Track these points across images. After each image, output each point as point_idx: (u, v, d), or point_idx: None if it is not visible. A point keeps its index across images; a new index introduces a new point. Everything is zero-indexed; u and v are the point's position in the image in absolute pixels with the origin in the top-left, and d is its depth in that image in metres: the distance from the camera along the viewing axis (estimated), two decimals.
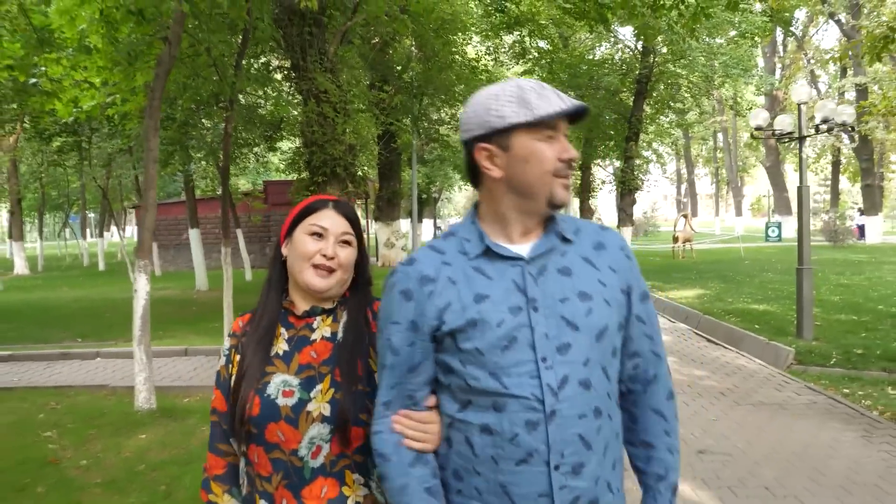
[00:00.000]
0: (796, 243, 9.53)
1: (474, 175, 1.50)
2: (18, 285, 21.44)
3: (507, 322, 1.39)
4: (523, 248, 1.46)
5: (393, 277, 1.51)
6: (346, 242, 1.67)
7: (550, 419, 1.36)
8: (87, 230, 41.32)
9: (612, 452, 1.45)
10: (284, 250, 1.69)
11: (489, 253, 1.45)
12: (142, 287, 5.83)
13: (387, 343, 1.49)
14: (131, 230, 53.53)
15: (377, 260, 24.55)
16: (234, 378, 1.64)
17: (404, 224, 27.52)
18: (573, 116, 1.45)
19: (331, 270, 1.62)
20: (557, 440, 1.37)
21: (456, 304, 1.42)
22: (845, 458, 4.74)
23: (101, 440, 5.23)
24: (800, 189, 9.34)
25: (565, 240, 1.49)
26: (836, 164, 39.98)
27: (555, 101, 1.41)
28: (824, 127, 8.97)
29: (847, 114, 9.43)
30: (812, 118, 9.80)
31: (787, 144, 32.71)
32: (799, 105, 9.24)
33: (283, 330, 1.65)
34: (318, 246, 1.62)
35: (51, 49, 7.21)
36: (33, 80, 8.95)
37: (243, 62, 10.09)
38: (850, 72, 30.40)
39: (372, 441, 1.50)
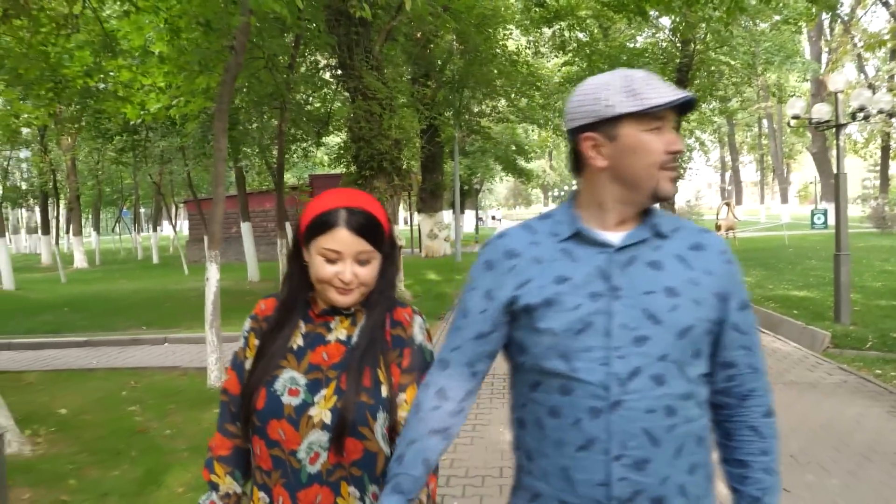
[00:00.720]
0: None
1: (577, 163, 1.49)
2: (79, 278, 22.46)
3: (584, 306, 1.39)
4: (615, 237, 1.44)
5: (483, 248, 1.55)
6: (365, 260, 1.59)
7: (614, 409, 1.35)
8: (140, 225, 42.68)
9: (688, 456, 1.41)
10: (307, 256, 1.62)
11: (579, 236, 1.45)
12: (213, 275, 6.39)
13: (461, 306, 1.53)
14: (179, 224, 55.12)
15: (421, 251, 25.02)
16: (249, 361, 1.64)
17: (447, 215, 27.95)
18: (682, 108, 1.43)
19: (350, 290, 1.58)
20: (619, 431, 1.36)
21: (535, 282, 1.43)
22: (869, 430, 5.03)
23: (181, 413, 5.80)
24: (837, 176, 9.52)
25: (660, 235, 1.46)
26: (885, 149, 39.14)
27: (664, 91, 1.40)
28: (861, 115, 9.11)
29: (884, 101, 9.55)
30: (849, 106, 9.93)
31: (884, 117, 32.22)
32: (836, 93, 9.39)
33: (301, 323, 1.64)
34: (335, 270, 1.56)
35: (115, 55, 7.79)
36: (102, 85, 9.60)
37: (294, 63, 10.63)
38: None
39: (419, 387, 1.55)
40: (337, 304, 1.58)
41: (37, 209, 33.01)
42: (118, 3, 6.89)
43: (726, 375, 1.48)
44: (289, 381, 1.56)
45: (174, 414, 5.79)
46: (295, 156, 19.18)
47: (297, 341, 1.60)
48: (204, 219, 25.54)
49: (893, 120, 31.14)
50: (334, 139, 22.65)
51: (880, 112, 9.58)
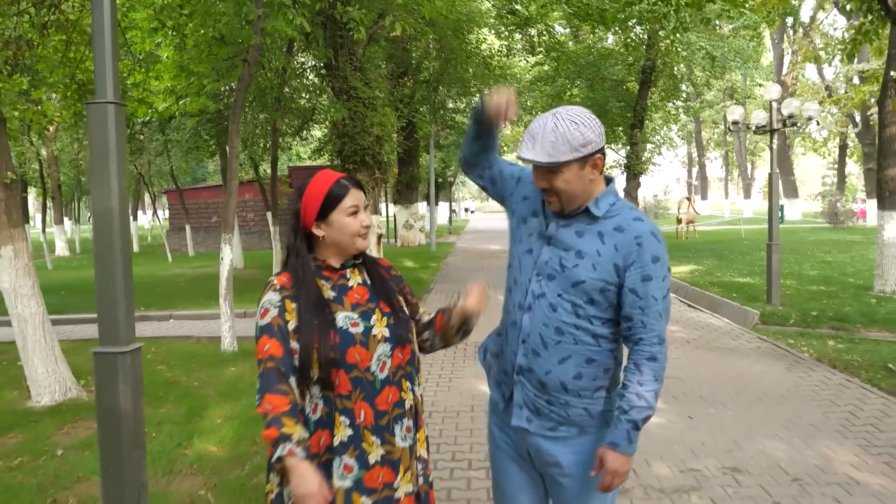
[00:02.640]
0: (798, 225, 10.96)
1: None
2: (65, 265, 23.04)
3: (534, 237, 2.08)
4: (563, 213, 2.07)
5: (523, 168, 2.28)
6: (367, 207, 2.12)
7: (527, 311, 2.04)
8: None
9: (574, 367, 1.99)
10: (319, 231, 2.04)
11: (548, 214, 2.11)
12: (226, 255, 7.43)
13: (507, 164, 2.32)
14: (159, 214, 55.40)
15: (397, 241, 26.04)
16: (292, 323, 1.96)
17: (422, 207, 28.95)
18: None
19: (367, 233, 2.09)
20: (527, 326, 2.03)
21: (523, 202, 2.18)
22: (766, 381, 6.26)
23: (203, 370, 6.86)
24: (770, 175, 10.77)
25: (592, 217, 2.01)
26: (843, 148, 40.85)
27: (524, 150, 1.99)
28: (789, 122, 10.36)
29: (812, 110, 10.84)
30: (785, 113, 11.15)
31: (795, 129, 33.73)
32: (770, 102, 10.65)
33: (323, 282, 2.05)
34: (359, 220, 2.05)
35: (140, 65, 8.76)
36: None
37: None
38: (856, 58, 31.43)
39: None
40: (360, 249, 2.08)
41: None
42: (145, 20, 7.81)
43: (626, 326, 2.00)
44: (346, 318, 1.99)
45: (198, 371, 6.85)
46: (282, 148, 20.05)
47: (330, 293, 2.03)
48: (185, 209, 26.34)
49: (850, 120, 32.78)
50: (314, 133, 23.53)
51: (809, 119, 10.87)
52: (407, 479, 2.00)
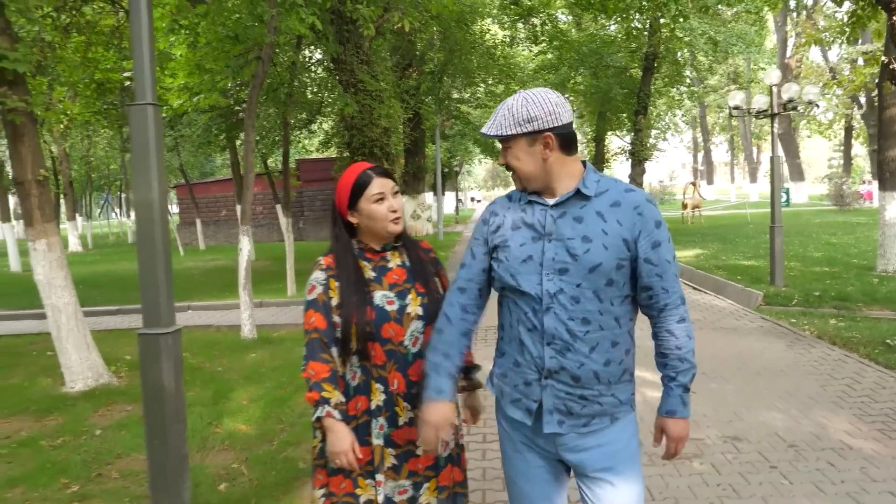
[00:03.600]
0: (804, 208, 11.16)
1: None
2: (78, 260, 23.37)
3: (527, 245, 1.99)
4: (552, 200, 2.02)
5: (483, 211, 2.19)
6: (396, 192, 2.24)
7: (546, 312, 1.95)
8: (129, 210, 43.42)
9: (603, 353, 1.96)
10: (353, 219, 2.23)
11: (530, 202, 2.06)
12: (245, 247, 7.71)
13: (469, 251, 2.16)
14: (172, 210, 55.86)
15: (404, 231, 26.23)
16: (335, 300, 2.18)
17: (428, 197, 29.17)
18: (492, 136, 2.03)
19: (399, 217, 2.22)
20: (549, 327, 1.94)
21: (501, 230, 2.07)
22: (767, 357, 6.50)
23: (225, 357, 7.15)
24: (771, 159, 10.98)
25: (583, 196, 1.98)
26: (848, 130, 40.76)
27: (484, 127, 2.04)
28: (790, 106, 10.55)
29: (812, 93, 11.01)
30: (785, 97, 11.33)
31: (798, 112, 33.72)
32: (771, 86, 10.82)
33: (365, 263, 2.24)
34: (387, 205, 2.20)
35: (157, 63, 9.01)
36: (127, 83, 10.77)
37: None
38: (860, 40, 31.35)
39: (445, 308, 2.15)
40: (393, 233, 2.23)
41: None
42: (160, 20, 8.07)
43: (647, 296, 2.01)
44: (383, 297, 2.20)
45: (220, 357, 7.14)
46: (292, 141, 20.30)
47: (370, 273, 2.24)
48: (196, 203, 26.65)
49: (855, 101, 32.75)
50: (322, 126, 23.78)
51: (809, 103, 11.05)
52: None
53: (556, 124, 1.95)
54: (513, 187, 2.16)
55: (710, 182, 57.71)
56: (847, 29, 6.75)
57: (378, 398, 2.18)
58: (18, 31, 6.16)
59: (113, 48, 8.10)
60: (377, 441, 2.18)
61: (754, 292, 9.97)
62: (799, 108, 10.73)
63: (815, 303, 9.37)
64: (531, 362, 2.00)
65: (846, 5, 6.38)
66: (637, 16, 11.85)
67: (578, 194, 1.98)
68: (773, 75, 10.89)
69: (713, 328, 8.02)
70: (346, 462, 2.10)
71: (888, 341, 6.80)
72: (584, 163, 2.06)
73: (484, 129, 2.03)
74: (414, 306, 2.20)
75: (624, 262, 1.96)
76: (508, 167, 2.04)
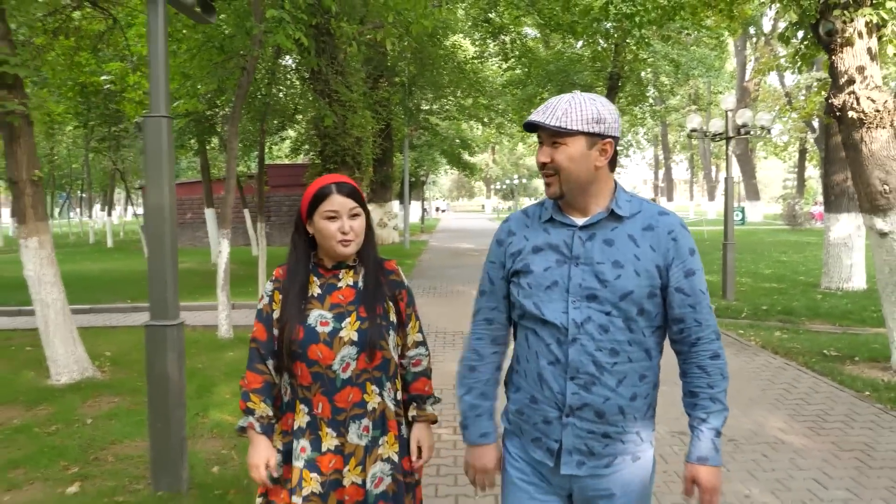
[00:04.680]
0: (759, 227, 11.79)
1: None
2: None
3: (552, 269, 1.83)
4: (580, 219, 1.85)
5: (497, 230, 2.02)
6: (355, 215, 2.11)
7: (572, 343, 1.78)
8: (91, 210, 42.94)
9: (630, 387, 1.81)
10: (310, 229, 2.14)
11: (552, 220, 1.88)
12: (224, 249, 8.01)
13: (487, 276, 2.01)
14: (131, 210, 55.26)
15: None
16: (276, 313, 2.14)
17: (395, 206, 29.53)
18: (542, 127, 1.80)
19: (349, 240, 2.09)
20: (574, 359, 1.78)
21: (522, 252, 1.89)
22: None
23: (203, 355, 7.43)
24: (726, 180, 11.62)
25: (617, 216, 1.83)
26: (802, 153, 42.21)
27: (534, 114, 1.80)
28: (743, 130, 11.21)
29: (765, 119, 11.71)
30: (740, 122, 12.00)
31: (750, 136, 34.83)
32: (726, 111, 11.48)
33: (314, 278, 2.16)
34: (336, 225, 2.08)
35: (136, 68, 9.28)
36: (107, 86, 10.99)
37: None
38: (815, 66, 32.66)
39: (474, 343, 2.03)
40: (341, 255, 2.12)
41: None
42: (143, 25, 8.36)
43: (678, 329, 1.86)
44: (319, 317, 2.10)
45: (199, 355, 7.41)
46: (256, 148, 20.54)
47: (316, 290, 2.15)
48: None
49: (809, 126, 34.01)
50: (290, 132, 24.01)
51: (762, 128, 11.73)
52: (356, 471, 2.09)
53: (618, 133, 1.84)
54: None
55: (669, 199, 59.01)
56: (797, 61, 7.31)
57: (301, 419, 2.12)
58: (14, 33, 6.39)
59: (97, 52, 8.35)
60: (297, 463, 2.10)
61: None
62: (752, 132, 11.39)
63: (763, 316, 9.98)
64: (551, 399, 1.84)
65: (793, 42, 6.95)
66: (602, 41, 12.45)
67: (612, 215, 1.84)
68: (728, 101, 11.56)
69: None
70: (256, 476, 2.10)
71: (825, 351, 7.38)
72: (615, 181, 1.92)
73: (538, 118, 1.80)
74: (349, 331, 2.09)
75: (656, 291, 1.83)
76: (546, 166, 1.83)
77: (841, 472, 4.22)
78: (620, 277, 1.78)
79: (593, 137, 1.78)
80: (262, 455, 2.10)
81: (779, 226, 34.25)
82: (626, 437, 1.85)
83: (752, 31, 40.87)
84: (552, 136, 1.79)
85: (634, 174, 76.20)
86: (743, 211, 35.57)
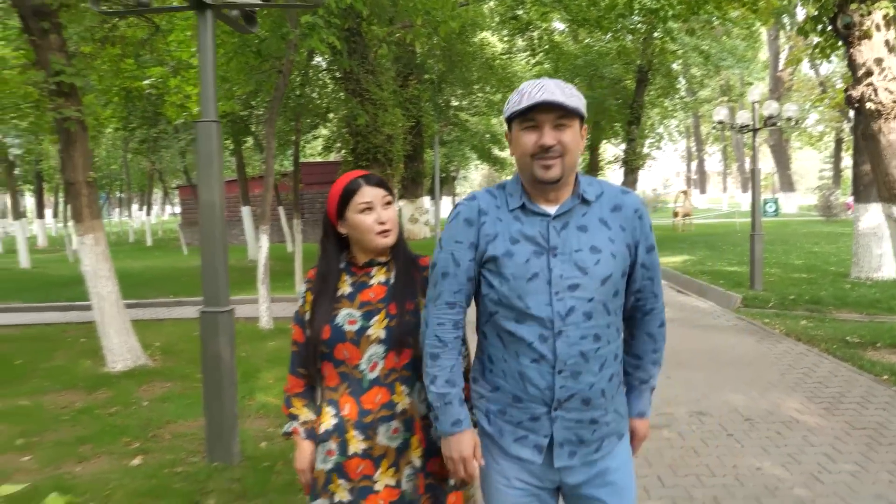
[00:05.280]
0: (793, 218, 11.91)
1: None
2: None
3: (532, 261, 1.79)
4: (552, 208, 1.83)
5: (458, 209, 1.91)
6: (388, 203, 2.07)
7: (558, 336, 1.77)
8: (129, 210, 44.04)
9: (608, 368, 1.84)
10: (342, 229, 2.08)
11: (524, 208, 1.85)
12: (264, 244, 8.43)
13: (451, 256, 1.88)
14: (169, 209, 56.56)
15: (402, 234, 26.97)
16: (308, 314, 2.11)
17: (426, 201, 29.87)
18: (558, 107, 1.73)
19: (388, 230, 2.05)
20: (562, 352, 1.77)
21: (499, 238, 1.83)
22: (737, 351, 7.22)
23: (247, 345, 7.83)
24: (752, 171, 11.72)
25: (586, 202, 1.84)
26: (838, 142, 41.58)
27: (534, 95, 1.74)
28: (770, 122, 11.30)
29: (792, 110, 11.77)
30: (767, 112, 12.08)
31: (783, 126, 34.44)
32: (753, 103, 11.58)
33: (346, 277, 2.11)
34: (373, 217, 2.03)
35: (176, 73, 9.73)
36: (148, 90, 11.47)
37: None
38: None
39: (435, 329, 1.90)
40: (381, 246, 2.06)
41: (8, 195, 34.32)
42: (185, 30, 8.79)
43: (635, 298, 1.95)
44: (347, 316, 2.04)
45: (242, 345, 7.81)
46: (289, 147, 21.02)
47: (347, 289, 2.09)
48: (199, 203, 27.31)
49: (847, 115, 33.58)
50: (324, 131, 24.51)
51: (788, 119, 11.80)
52: (389, 473, 2.03)
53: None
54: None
55: (702, 191, 58.57)
56: (817, 54, 7.46)
57: (328, 421, 2.06)
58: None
59: (139, 58, 8.81)
60: (322, 465, 2.06)
61: (734, 295, 10.69)
62: (778, 123, 11.48)
63: (790, 305, 10.10)
64: (537, 396, 1.82)
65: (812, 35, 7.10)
66: (629, 36, 12.63)
67: (581, 201, 1.86)
68: (754, 92, 11.66)
69: (692, 326, 8.75)
70: (302, 481, 2.12)
71: (847, 338, 7.53)
72: None
73: (546, 97, 1.74)
74: (377, 329, 2.03)
75: (627, 269, 1.89)
76: (552, 149, 1.78)
77: (851, 448, 4.43)
78: (600, 263, 1.80)
79: (582, 121, 1.83)
80: (307, 460, 2.10)
81: (813, 217, 33.83)
82: (610, 418, 1.90)
83: (785, 19, 40.45)
84: (559, 117, 1.77)
85: (667, 166, 75.52)
86: (776, 202, 35.20)
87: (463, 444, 1.89)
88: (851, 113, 32.43)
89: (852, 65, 6.47)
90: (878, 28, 6.19)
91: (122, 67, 8.79)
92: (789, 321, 8.90)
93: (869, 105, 6.23)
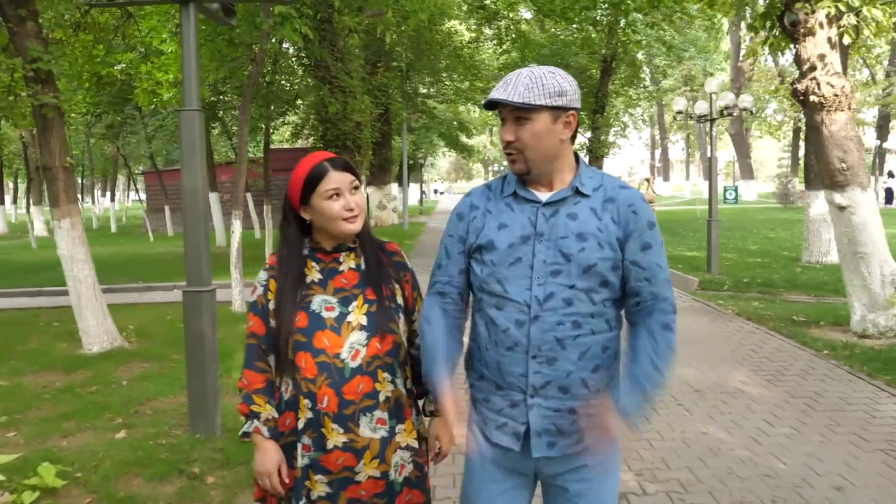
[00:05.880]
0: (752, 205, 12.38)
1: None
2: (48, 244, 23.56)
3: (516, 246, 1.81)
4: (545, 195, 1.84)
5: (457, 203, 1.99)
6: (355, 188, 1.97)
7: (534, 322, 1.77)
8: (93, 196, 43.46)
9: (592, 359, 1.80)
10: (306, 214, 1.97)
11: (516, 195, 1.87)
12: (237, 229, 8.63)
13: (444, 248, 1.97)
14: (131, 196, 55.78)
15: (371, 220, 27.20)
16: (273, 303, 1.97)
17: (394, 188, 30.08)
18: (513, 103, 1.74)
19: (356, 216, 1.96)
20: (536, 338, 1.77)
21: (485, 229, 1.87)
22: (692, 329, 7.63)
23: (224, 327, 7.94)
24: (710, 160, 12.22)
25: (581, 193, 1.83)
26: (796, 131, 42.53)
27: (495, 90, 1.78)
28: (726, 112, 11.77)
29: (747, 101, 12.25)
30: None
31: (750, 114, 35.22)
32: (710, 94, 12.03)
33: (313, 264, 2.00)
34: (341, 203, 1.93)
35: (147, 58, 9.82)
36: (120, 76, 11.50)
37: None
38: None
39: (424, 312, 1.96)
40: (348, 233, 1.97)
41: None
42: (164, 20, 8.90)
43: (634, 301, 1.85)
44: (322, 302, 1.95)
45: (218, 327, 8.01)
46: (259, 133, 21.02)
47: (316, 276, 1.99)
48: (165, 189, 27.11)
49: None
50: (291, 117, 24.55)
51: (744, 109, 12.28)
52: (373, 465, 1.94)
53: (579, 104, 1.82)
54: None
55: (666, 179, 59.59)
56: (766, 49, 7.89)
57: (305, 415, 1.93)
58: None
59: (110, 44, 8.90)
60: (299, 462, 1.95)
61: (691, 278, 11.16)
62: (734, 113, 11.94)
63: (744, 288, 10.60)
64: (514, 383, 1.83)
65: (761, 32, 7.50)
66: (593, 29, 12.95)
67: (576, 192, 1.84)
68: (712, 83, 12.11)
69: None
70: (268, 484, 1.96)
71: (794, 318, 8.00)
72: (576, 155, 1.91)
73: (498, 95, 1.77)
74: (357, 314, 1.95)
75: (619, 263, 1.82)
76: (511, 145, 1.81)
77: (788, 415, 4.84)
78: (584, 250, 1.78)
79: (557, 111, 1.76)
80: (273, 461, 1.95)
81: (771, 204, 34.82)
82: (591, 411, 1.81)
83: (748, 11, 41.20)
84: (516, 112, 1.77)
85: (631, 154, 76.54)
86: (736, 190, 36.07)
87: (447, 409, 1.82)
88: None
89: (798, 60, 6.87)
90: (821, 26, 6.59)
91: (94, 53, 8.85)
92: (742, 302, 9.37)
93: (812, 98, 6.64)
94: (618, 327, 1.89)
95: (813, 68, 6.67)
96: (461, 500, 2.03)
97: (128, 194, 55.08)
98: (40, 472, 3.73)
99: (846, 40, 6.75)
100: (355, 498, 1.92)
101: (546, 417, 1.81)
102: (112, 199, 33.81)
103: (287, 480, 1.96)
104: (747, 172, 43.97)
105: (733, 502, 3.56)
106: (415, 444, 2.01)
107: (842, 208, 6.79)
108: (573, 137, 1.86)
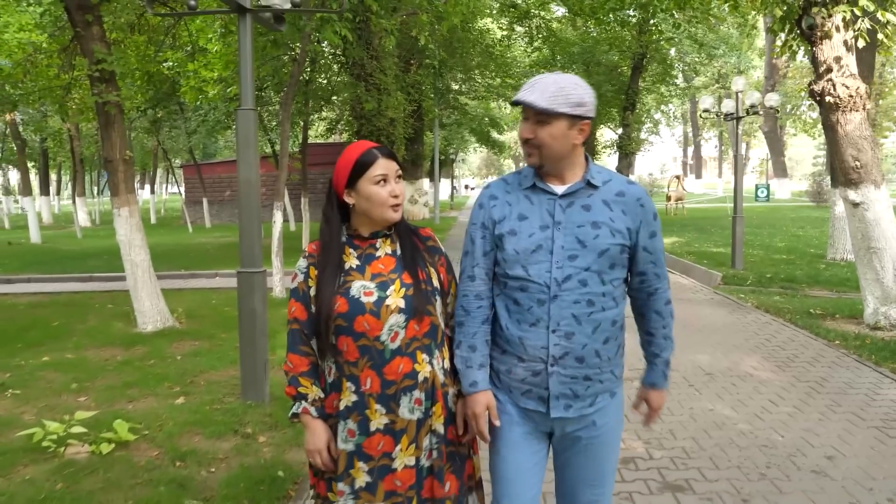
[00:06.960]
0: (785, 203, 12.59)
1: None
2: (92, 234, 24.47)
3: (536, 235, 2.05)
4: (560, 188, 2.08)
5: (479, 195, 2.21)
6: (399, 177, 2.09)
7: (553, 300, 2.03)
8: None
9: (603, 332, 2.06)
10: (350, 199, 2.07)
11: (534, 187, 2.10)
12: (278, 219, 9.16)
13: (469, 236, 2.18)
14: (169, 188, 57.09)
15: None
16: (314, 290, 2.07)
17: (426, 183, 30.55)
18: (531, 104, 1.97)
19: (399, 204, 2.08)
20: (556, 314, 2.02)
21: (507, 219, 2.10)
22: (711, 320, 7.97)
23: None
24: (735, 157, 12.45)
25: (593, 186, 2.07)
26: None
27: (521, 91, 2.01)
28: (752, 110, 11.99)
29: (773, 100, 12.46)
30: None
31: (786, 110, 34.94)
32: (736, 93, 12.26)
33: (351, 250, 2.11)
34: (388, 189, 2.04)
35: (194, 57, 10.38)
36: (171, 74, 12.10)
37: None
38: None
39: (460, 300, 2.16)
40: (390, 220, 2.08)
41: (12, 172, 34.97)
42: (211, 21, 9.44)
43: (639, 280, 2.17)
44: (361, 287, 2.04)
45: None
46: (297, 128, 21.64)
47: (354, 262, 2.09)
48: (203, 182, 27.90)
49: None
50: (326, 113, 25.14)
51: (770, 108, 12.49)
52: (409, 451, 2.05)
53: (594, 114, 2.05)
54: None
55: (698, 176, 59.18)
56: (786, 51, 8.18)
57: (348, 398, 2.04)
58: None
59: (162, 45, 9.48)
60: (344, 445, 2.05)
61: (715, 273, 11.43)
62: (760, 112, 12.16)
63: (766, 283, 10.84)
64: (535, 355, 2.06)
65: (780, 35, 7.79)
66: (621, 27, 13.25)
67: (587, 184, 2.08)
68: (738, 82, 12.32)
69: (672, 300, 9.48)
70: (319, 462, 2.07)
71: (811, 311, 8.28)
72: (585, 154, 2.14)
73: (525, 97, 1.99)
74: (395, 298, 2.04)
75: (626, 249, 2.08)
76: (529, 142, 2.04)
77: (793, 396, 5.19)
78: (598, 237, 2.02)
79: (574, 119, 1.98)
80: (323, 439, 2.08)
81: (804, 202, 34.58)
82: (604, 377, 2.10)
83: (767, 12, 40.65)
84: (538, 114, 1.98)
85: (664, 151, 76.04)
86: (768, 188, 35.88)
87: (476, 403, 2.11)
88: None
89: (815, 62, 7.15)
90: (837, 29, 6.87)
91: (148, 53, 9.42)
92: (762, 297, 9.64)
93: (829, 98, 6.93)
94: (623, 304, 2.16)
95: (829, 70, 6.95)
96: (489, 448, 2.23)
97: (166, 187, 56.34)
98: (115, 427, 4.25)
99: (860, 43, 7.01)
100: (392, 490, 2.02)
101: (564, 384, 2.06)
102: (152, 192, 34.72)
103: (336, 456, 2.06)
104: (781, 171, 43.57)
105: (731, 467, 3.95)
106: (441, 430, 2.10)
107: (856, 205, 7.07)
108: (586, 141, 2.11)
